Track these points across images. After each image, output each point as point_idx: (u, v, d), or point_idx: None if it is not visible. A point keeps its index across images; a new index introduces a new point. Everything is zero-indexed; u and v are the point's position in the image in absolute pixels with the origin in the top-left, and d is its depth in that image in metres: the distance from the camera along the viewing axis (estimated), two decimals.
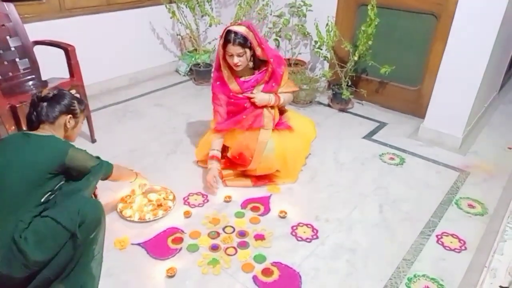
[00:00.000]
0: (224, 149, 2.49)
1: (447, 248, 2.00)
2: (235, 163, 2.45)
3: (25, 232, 1.42)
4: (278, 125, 2.46)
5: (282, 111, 2.56)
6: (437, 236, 2.07)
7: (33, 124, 1.61)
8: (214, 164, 2.37)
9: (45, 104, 1.60)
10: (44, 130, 1.60)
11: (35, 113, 1.60)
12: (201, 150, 2.58)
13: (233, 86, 2.35)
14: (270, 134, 2.36)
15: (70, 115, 1.65)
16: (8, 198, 1.45)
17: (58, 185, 1.56)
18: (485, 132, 3.18)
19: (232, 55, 2.21)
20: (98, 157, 1.74)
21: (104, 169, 1.75)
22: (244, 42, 2.18)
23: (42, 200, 1.50)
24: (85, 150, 1.67)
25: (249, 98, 2.35)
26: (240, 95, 2.36)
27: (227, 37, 2.19)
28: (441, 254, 1.96)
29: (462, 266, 1.89)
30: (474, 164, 2.73)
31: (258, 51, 2.25)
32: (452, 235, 2.08)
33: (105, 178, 1.81)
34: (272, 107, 2.39)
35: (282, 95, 2.41)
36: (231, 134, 2.42)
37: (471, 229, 2.13)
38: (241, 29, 2.19)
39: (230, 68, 2.31)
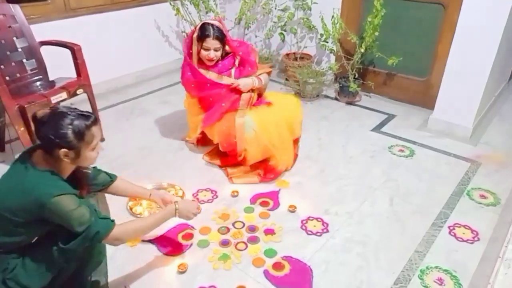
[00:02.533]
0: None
1: (459, 239, 1.98)
2: (231, 158, 2.45)
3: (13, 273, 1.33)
4: (256, 104, 2.46)
5: (260, 94, 2.58)
6: (449, 227, 2.05)
7: (38, 140, 1.35)
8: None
9: (42, 129, 1.29)
10: (43, 160, 1.33)
11: (37, 134, 1.33)
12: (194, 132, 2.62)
13: (210, 75, 2.38)
14: (245, 112, 2.36)
15: (64, 149, 1.29)
16: None
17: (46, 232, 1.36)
18: (496, 121, 3.13)
19: (209, 49, 2.26)
20: (92, 217, 1.33)
21: (90, 237, 1.32)
22: (222, 37, 2.26)
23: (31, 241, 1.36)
24: (81, 204, 1.31)
25: (231, 86, 2.37)
26: (219, 80, 2.37)
27: (205, 31, 2.23)
28: (454, 246, 1.94)
29: (475, 257, 1.87)
30: (485, 154, 2.69)
31: (227, 47, 2.35)
32: (464, 226, 2.06)
33: (100, 241, 1.38)
34: (252, 90, 2.43)
35: (261, 75, 2.46)
36: (209, 126, 2.44)
37: (483, 220, 2.10)
38: (216, 23, 2.29)
39: (199, 61, 2.36)
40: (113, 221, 1.41)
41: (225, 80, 2.40)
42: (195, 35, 2.29)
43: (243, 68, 2.46)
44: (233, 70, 2.45)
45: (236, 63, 2.45)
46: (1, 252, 1.36)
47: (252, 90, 2.44)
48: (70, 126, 1.28)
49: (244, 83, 2.39)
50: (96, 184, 1.63)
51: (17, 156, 1.39)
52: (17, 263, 1.36)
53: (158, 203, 1.80)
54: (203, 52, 2.30)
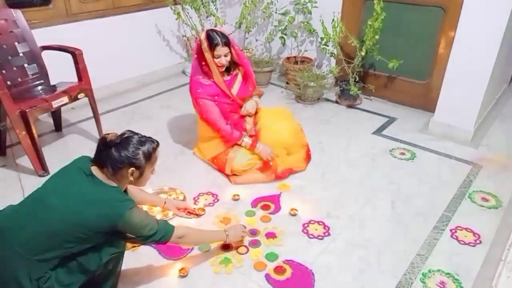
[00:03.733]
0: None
1: (461, 242, 1.97)
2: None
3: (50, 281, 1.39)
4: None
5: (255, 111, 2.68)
6: (451, 230, 2.04)
7: (100, 159, 1.47)
8: (261, 145, 2.42)
9: (111, 150, 1.44)
10: (108, 177, 1.46)
11: (102, 153, 1.46)
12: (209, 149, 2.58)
13: (220, 82, 2.46)
14: (238, 148, 2.45)
15: (132, 168, 1.46)
16: (45, 239, 1.37)
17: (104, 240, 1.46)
18: (497, 124, 3.13)
19: (219, 56, 2.34)
20: (158, 223, 1.54)
21: (158, 238, 1.52)
22: (228, 42, 2.34)
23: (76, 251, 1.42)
24: (146, 213, 1.54)
25: (242, 114, 2.56)
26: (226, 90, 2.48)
27: (214, 40, 2.30)
28: (456, 249, 1.93)
29: (478, 260, 1.87)
30: (486, 157, 2.69)
31: (233, 53, 2.40)
32: (466, 229, 2.05)
33: (165, 243, 1.58)
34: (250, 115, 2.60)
35: (258, 98, 2.66)
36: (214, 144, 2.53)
37: (485, 223, 2.10)
38: (221, 30, 2.41)
39: (205, 72, 2.45)
40: (173, 226, 1.60)
41: (232, 91, 2.51)
42: (204, 45, 2.33)
43: (244, 85, 2.55)
44: (236, 86, 2.53)
45: (239, 77, 2.54)
46: (45, 259, 1.38)
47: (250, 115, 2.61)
48: (141, 148, 1.47)
49: (252, 107, 2.58)
50: None
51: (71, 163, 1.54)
52: (51, 274, 1.39)
53: (173, 210, 1.94)
54: (214, 60, 2.37)
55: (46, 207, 1.39)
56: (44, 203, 1.40)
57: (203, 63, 2.43)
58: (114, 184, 1.47)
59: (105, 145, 1.45)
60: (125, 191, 1.64)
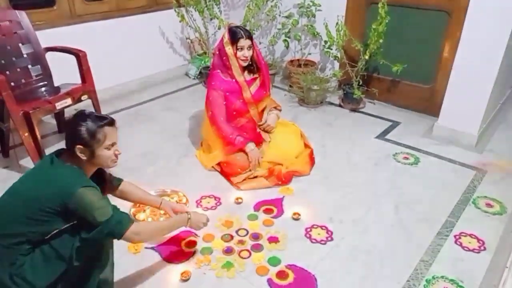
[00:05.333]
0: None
1: (465, 248, 1.95)
2: (229, 173, 2.48)
3: (22, 268, 1.38)
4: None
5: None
6: (455, 236, 2.02)
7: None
8: (253, 145, 2.45)
9: (65, 128, 1.51)
10: (70, 159, 1.45)
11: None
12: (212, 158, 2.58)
13: (240, 78, 2.48)
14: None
15: (79, 146, 1.42)
16: (6, 223, 1.38)
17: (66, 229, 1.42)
18: (501, 129, 3.11)
19: (243, 49, 2.38)
20: (113, 210, 1.43)
21: (111, 228, 1.39)
22: (251, 35, 2.41)
23: (47, 237, 1.41)
24: (101, 197, 1.42)
25: (263, 127, 2.63)
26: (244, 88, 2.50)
27: (237, 34, 2.36)
28: (460, 255, 1.92)
29: (482, 266, 1.85)
30: (491, 162, 2.67)
31: (254, 52, 2.46)
32: (470, 235, 2.03)
33: (119, 237, 1.44)
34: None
35: (278, 111, 2.72)
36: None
37: (490, 229, 2.08)
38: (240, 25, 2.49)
39: (227, 69, 2.46)
40: (131, 218, 1.50)
41: (249, 91, 2.53)
42: (226, 40, 2.39)
43: (260, 89, 2.57)
44: (253, 88, 2.55)
45: (258, 81, 2.56)
46: (12, 244, 1.38)
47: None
48: (83, 124, 1.42)
49: (273, 121, 2.65)
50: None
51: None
52: (25, 260, 1.39)
53: (168, 212, 1.88)
54: (238, 53, 2.41)
55: (9, 194, 1.44)
56: (9, 191, 1.45)
57: (224, 57, 2.45)
58: (75, 166, 1.44)
59: (65, 124, 1.45)
60: (118, 187, 1.72)
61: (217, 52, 2.48)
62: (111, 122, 1.49)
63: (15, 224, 1.37)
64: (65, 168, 1.42)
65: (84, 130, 1.41)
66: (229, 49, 2.39)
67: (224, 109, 2.48)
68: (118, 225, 1.41)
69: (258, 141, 2.54)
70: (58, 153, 1.48)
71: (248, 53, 2.40)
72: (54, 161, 1.43)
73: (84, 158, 1.44)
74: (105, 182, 1.67)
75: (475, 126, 2.82)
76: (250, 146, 2.43)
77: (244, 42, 2.37)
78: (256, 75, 2.57)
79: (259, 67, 2.56)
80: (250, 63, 2.50)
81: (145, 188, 2.17)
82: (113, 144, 1.50)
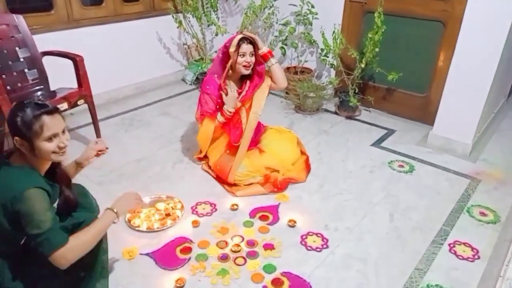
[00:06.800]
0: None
1: (460, 257, 1.96)
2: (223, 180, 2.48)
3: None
4: (250, 147, 2.53)
5: (262, 129, 2.71)
6: (449, 245, 2.03)
7: None
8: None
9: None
10: (18, 157, 1.35)
11: None
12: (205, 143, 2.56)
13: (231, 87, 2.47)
14: (241, 159, 2.45)
15: (16, 137, 1.30)
16: None
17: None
18: (495, 138, 3.14)
19: (245, 54, 2.35)
20: (51, 227, 1.27)
21: (38, 244, 1.26)
22: (253, 42, 2.37)
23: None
24: (50, 209, 1.29)
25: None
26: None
27: (239, 41, 2.33)
28: (454, 264, 1.92)
29: (476, 275, 1.86)
30: (484, 171, 2.69)
31: (256, 58, 2.43)
32: (464, 243, 2.04)
33: (46, 256, 1.27)
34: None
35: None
36: (218, 148, 2.54)
37: (483, 238, 2.09)
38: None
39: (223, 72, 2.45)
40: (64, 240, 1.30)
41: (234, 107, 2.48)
42: (232, 49, 2.35)
43: (250, 90, 2.52)
44: (243, 93, 2.52)
45: (246, 86, 2.53)
46: None
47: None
48: (19, 115, 1.29)
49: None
50: None
51: None
52: (13, 275, 1.35)
53: (84, 162, 1.67)
54: (239, 59, 2.37)
55: None
56: None
57: (226, 64, 2.43)
58: (21, 163, 1.33)
59: None
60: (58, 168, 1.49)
61: (220, 56, 2.45)
62: (51, 111, 1.33)
63: None
64: (13, 169, 1.31)
65: (19, 121, 1.28)
66: (234, 56, 2.36)
67: (214, 110, 2.48)
68: (46, 244, 1.26)
69: (236, 140, 2.50)
70: (9, 154, 1.37)
71: (250, 59, 2.38)
72: (1, 164, 1.33)
73: (25, 151, 1.31)
74: (59, 176, 1.50)
75: (469, 135, 2.85)
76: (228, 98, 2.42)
77: (246, 48, 2.35)
78: (245, 81, 2.53)
79: (258, 72, 2.51)
80: (251, 73, 2.47)
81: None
82: (55, 135, 1.33)
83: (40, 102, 1.34)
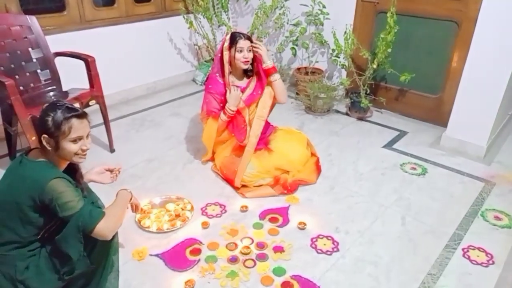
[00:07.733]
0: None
1: (473, 262, 1.92)
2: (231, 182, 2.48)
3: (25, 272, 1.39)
4: (258, 148, 2.51)
5: (271, 129, 2.70)
6: (463, 249, 1.99)
7: None
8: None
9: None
10: (39, 153, 1.45)
11: None
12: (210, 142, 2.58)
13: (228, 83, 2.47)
14: (249, 159, 2.44)
15: (44, 135, 1.40)
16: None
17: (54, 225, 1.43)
18: (510, 140, 3.08)
19: (242, 50, 2.37)
20: (86, 203, 1.40)
21: (80, 222, 1.34)
22: (250, 38, 2.42)
23: (38, 237, 1.42)
24: (76, 190, 1.41)
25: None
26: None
27: (236, 36, 2.38)
28: (468, 269, 1.88)
29: (490, 281, 1.82)
30: (499, 174, 2.64)
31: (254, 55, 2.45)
32: (478, 248, 2.00)
33: (89, 231, 1.36)
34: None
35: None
36: (223, 150, 2.58)
37: (498, 242, 2.05)
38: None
39: (222, 73, 2.47)
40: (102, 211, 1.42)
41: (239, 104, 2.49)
42: (226, 44, 2.39)
43: (254, 93, 2.54)
44: (247, 92, 2.53)
45: (252, 84, 2.55)
46: (11, 249, 1.38)
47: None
48: (51, 115, 1.39)
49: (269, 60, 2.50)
50: None
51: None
52: (28, 264, 1.39)
53: (97, 178, 1.78)
54: (237, 55, 2.39)
55: None
56: None
57: (221, 62, 2.45)
58: (42, 159, 1.43)
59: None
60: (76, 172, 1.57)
61: (219, 55, 2.46)
62: (80, 115, 1.43)
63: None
64: (35, 163, 1.41)
65: (50, 120, 1.38)
66: (226, 55, 2.40)
67: (218, 108, 2.49)
68: (88, 219, 1.35)
69: (241, 139, 2.50)
70: (28, 152, 1.48)
71: (248, 55, 2.39)
72: (23, 160, 1.42)
73: (50, 149, 1.40)
74: (77, 178, 1.58)
75: (483, 137, 2.79)
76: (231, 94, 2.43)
77: (243, 43, 2.36)
78: (251, 78, 2.55)
79: (257, 71, 2.52)
80: (251, 68, 2.49)
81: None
82: (80, 138, 1.43)
83: (70, 105, 1.44)
